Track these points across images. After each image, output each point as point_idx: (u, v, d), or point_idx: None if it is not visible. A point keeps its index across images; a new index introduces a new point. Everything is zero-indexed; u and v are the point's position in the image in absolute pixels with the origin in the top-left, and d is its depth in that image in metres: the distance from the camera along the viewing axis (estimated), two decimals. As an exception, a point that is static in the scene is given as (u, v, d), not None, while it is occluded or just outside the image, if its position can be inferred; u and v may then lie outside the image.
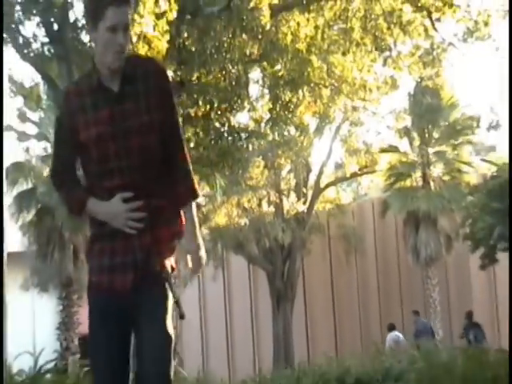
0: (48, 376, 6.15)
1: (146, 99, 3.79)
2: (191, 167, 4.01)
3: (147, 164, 3.80)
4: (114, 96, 3.78)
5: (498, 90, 52.40)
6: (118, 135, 3.75)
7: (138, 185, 3.78)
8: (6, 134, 27.26)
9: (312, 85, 17.94)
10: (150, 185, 3.82)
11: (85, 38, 14.80)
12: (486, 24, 16.36)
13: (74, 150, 3.89)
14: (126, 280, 3.80)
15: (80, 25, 14.74)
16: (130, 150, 3.76)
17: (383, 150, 29.53)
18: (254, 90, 18.30)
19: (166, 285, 3.88)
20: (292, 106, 17.87)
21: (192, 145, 15.51)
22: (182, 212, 3.95)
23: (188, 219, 3.94)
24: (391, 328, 24.34)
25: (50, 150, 28.42)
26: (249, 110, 17.22)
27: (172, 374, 3.89)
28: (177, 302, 3.85)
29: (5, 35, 15.04)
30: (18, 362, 6.60)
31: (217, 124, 16.06)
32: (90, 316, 3.95)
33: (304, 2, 15.96)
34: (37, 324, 29.76)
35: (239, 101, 16.14)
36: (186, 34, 15.11)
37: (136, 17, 12.27)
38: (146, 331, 3.80)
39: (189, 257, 3.92)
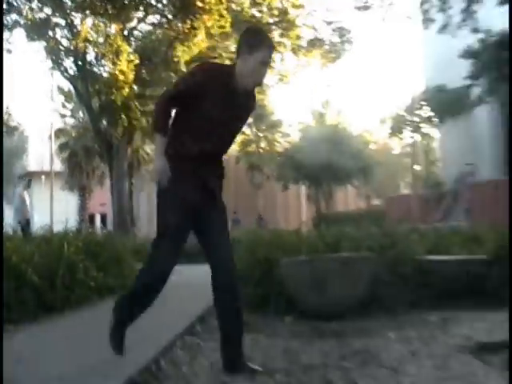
0: (71, 233, 5.95)
1: (245, 111, 2.87)
2: None
3: (229, 145, 2.89)
4: (236, 100, 2.76)
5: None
6: (224, 124, 2.77)
7: (217, 154, 2.83)
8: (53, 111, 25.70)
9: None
10: (221, 154, 2.86)
11: (95, 70, 14.28)
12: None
13: (185, 104, 2.76)
14: (208, 192, 2.79)
15: (92, 63, 14.13)
16: (227, 134, 2.84)
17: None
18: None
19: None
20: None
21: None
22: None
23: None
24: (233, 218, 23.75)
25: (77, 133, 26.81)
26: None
27: None
28: None
29: (56, 65, 14.22)
30: (57, 226, 6.31)
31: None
32: (173, 205, 2.70)
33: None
34: (68, 208, 28.56)
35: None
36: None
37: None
38: (222, 238, 2.76)
39: None
